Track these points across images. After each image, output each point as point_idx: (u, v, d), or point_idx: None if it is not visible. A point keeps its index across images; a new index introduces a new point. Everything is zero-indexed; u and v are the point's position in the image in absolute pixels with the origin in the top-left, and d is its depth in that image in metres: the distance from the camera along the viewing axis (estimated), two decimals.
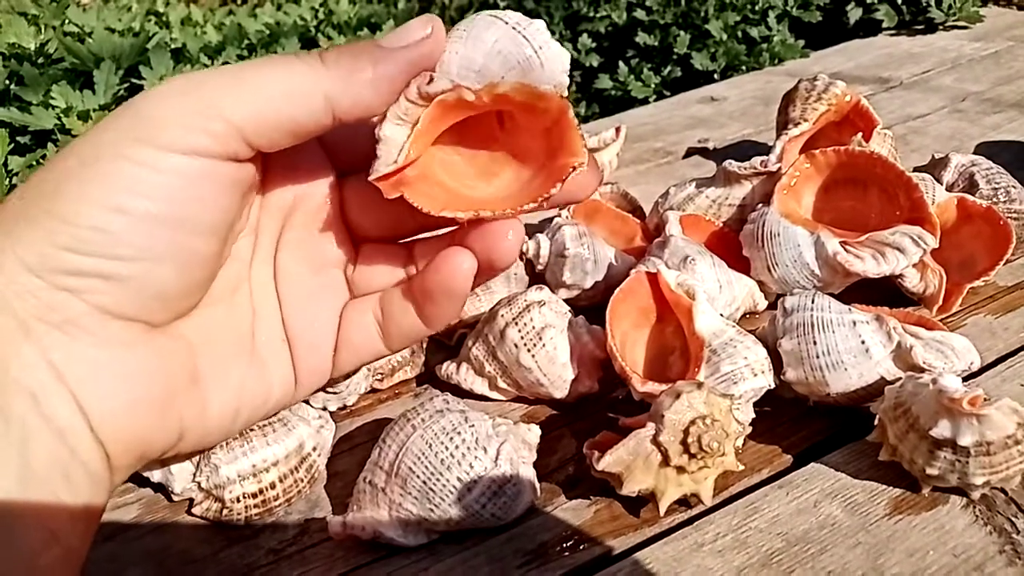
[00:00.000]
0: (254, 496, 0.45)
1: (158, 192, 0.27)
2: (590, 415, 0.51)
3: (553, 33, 1.69)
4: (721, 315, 0.50)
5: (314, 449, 0.48)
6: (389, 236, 0.36)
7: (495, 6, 1.93)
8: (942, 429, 0.40)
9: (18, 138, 1.05)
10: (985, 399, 0.40)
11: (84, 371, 0.28)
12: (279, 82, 0.29)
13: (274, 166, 0.33)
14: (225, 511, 0.45)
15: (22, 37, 1.13)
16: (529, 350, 0.49)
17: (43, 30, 1.19)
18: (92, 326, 0.28)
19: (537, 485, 0.44)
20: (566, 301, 0.55)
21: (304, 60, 0.29)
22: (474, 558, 0.42)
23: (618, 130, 0.77)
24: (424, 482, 0.41)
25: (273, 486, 0.46)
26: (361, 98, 0.30)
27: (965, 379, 0.48)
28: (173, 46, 1.29)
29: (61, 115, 1.01)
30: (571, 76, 0.35)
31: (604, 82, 1.48)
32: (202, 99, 0.28)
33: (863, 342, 0.45)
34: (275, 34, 1.38)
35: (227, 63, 1.26)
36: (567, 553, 0.42)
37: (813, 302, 0.47)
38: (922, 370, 0.44)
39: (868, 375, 0.45)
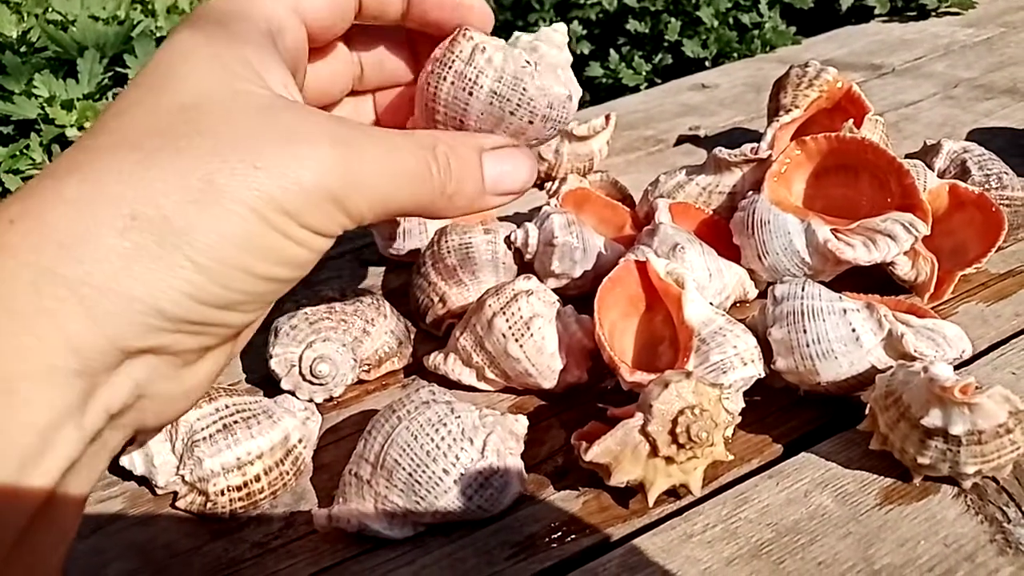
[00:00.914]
0: (239, 489, 0.45)
1: (283, 259, 0.29)
2: (579, 405, 0.51)
3: (544, 21, 1.67)
4: (711, 303, 0.49)
5: (300, 441, 0.47)
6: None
7: None
8: (933, 418, 0.39)
9: (0, 128, 1.04)
10: (977, 387, 0.39)
11: (155, 390, 0.29)
12: (408, 198, 0.32)
13: None
14: (209, 504, 0.45)
15: (4, 25, 1.11)
16: (517, 340, 0.49)
17: (25, 18, 1.18)
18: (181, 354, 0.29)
19: (525, 476, 0.43)
20: (555, 290, 0.54)
21: (437, 184, 0.32)
22: (461, 550, 0.41)
23: (608, 117, 0.77)
24: (410, 474, 0.41)
25: (258, 479, 0.45)
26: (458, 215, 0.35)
27: (956, 367, 0.48)
28: (159, 34, 1.27)
29: (44, 104, 1.00)
30: None
31: (595, 70, 1.47)
32: (345, 191, 0.29)
33: (854, 330, 0.45)
34: None
35: None
36: (555, 545, 0.41)
37: (803, 290, 0.47)
38: (913, 358, 0.44)
39: (859, 363, 0.45)
